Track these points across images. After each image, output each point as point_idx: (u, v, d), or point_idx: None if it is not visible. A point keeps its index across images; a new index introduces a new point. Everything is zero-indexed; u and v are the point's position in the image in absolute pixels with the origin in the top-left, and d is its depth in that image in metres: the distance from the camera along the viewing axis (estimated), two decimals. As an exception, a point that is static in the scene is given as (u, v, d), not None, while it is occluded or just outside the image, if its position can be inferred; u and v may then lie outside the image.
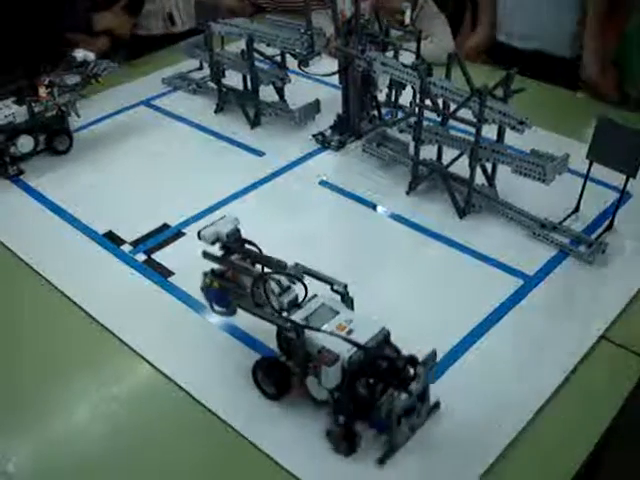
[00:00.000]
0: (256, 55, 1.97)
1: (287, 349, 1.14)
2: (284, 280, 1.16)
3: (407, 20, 1.92)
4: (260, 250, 1.23)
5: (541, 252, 1.52)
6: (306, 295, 1.15)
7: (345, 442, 1.09)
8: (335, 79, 1.92)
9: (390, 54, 1.85)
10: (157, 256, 1.54)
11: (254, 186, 1.77)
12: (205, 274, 1.25)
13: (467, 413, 1.16)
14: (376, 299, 1.34)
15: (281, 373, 1.15)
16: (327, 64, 1.92)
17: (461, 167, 1.63)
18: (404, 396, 1.04)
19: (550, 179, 1.48)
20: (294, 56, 1.90)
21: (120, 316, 1.38)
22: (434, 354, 1.08)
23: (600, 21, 2.20)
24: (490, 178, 1.65)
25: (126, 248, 1.56)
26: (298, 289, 1.16)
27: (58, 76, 1.85)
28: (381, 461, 1.08)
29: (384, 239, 1.60)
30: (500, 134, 1.59)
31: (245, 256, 1.23)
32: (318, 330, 1.07)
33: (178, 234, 1.59)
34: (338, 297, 1.16)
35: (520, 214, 1.59)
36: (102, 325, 1.36)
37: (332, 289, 1.16)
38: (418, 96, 1.61)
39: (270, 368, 1.18)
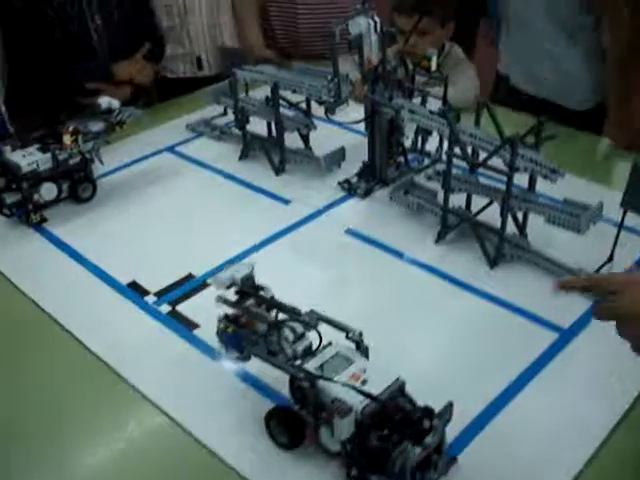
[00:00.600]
0: (281, 101, 1.96)
1: (300, 398, 1.11)
2: (298, 327, 1.14)
3: (434, 66, 1.90)
4: (272, 296, 1.22)
5: (575, 304, 1.46)
6: (320, 343, 1.13)
7: None
8: (361, 125, 1.90)
9: (417, 100, 1.84)
10: (182, 307, 1.51)
11: (280, 235, 1.74)
12: (220, 319, 1.23)
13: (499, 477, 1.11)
14: (402, 352, 1.31)
15: (295, 423, 1.13)
16: (354, 110, 1.90)
17: (491, 215, 1.60)
18: (418, 449, 1.00)
19: (585, 229, 1.44)
20: (320, 103, 1.88)
21: (142, 369, 1.35)
22: (450, 406, 1.06)
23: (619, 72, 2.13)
24: (521, 227, 1.61)
25: (150, 299, 1.54)
26: (312, 337, 1.14)
27: (82, 123, 1.84)
28: None
29: (412, 289, 1.56)
30: (532, 182, 1.55)
31: (260, 302, 1.21)
32: (331, 381, 1.05)
33: (203, 285, 1.56)
34: (353, 345, 1.14)
35: (553, 264, 1.55)
36: (124, 379, 1.33)
37: (347, 337, 1.14)
38: (446, 144, 1.58)
39: (284, 418, 1.16)
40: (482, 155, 1.57)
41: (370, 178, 1.91)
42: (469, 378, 1.30)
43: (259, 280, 1.25)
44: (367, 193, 1.89)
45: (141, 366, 1.36)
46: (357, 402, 1.02)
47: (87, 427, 1.25)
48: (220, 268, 1.57)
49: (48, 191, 1.82)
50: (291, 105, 2.01)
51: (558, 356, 1.34)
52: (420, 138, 1.96)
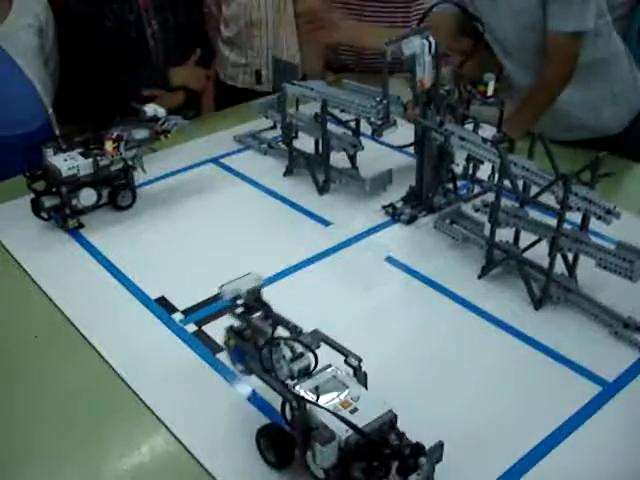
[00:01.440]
0: (330, 118, 1.90)
1: (290, 419, 1.08)
2: (298, 346, 1.11)
3: (490, 91, 1.82)
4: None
5: (623, 355, 1.38)
6: (316, 365, 1.09)
7: None
8: (411, 147, 1.84)
9: (470, 126, 1.76)
10: (208, 328, 1.46)
11: (317, 258, 1.68)
12: (226, 330, 1.21)
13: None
14: (431, 390, 1.27)
15: (284, 442, 1.10)
16: (404, 130, 1.84)
17: (540, 252, 1.52)
18: None
19: (638, 277, 1.35)
20: (370, 123, 1.82)
21: (157, 388, 1.32)
22: (441, 446, 1.00)
23: None
24: (571, 267, 1.52)
25: (177, 317, 1.49)
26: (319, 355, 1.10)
27: (126, 130, 1.81)
28: None
29: (449, 325, 1.48)
30: (585, 221, 1.46)
31: (265, 316, 1.18)
32: (318, 405, 1.02)
33: (232, 305, 1.51)
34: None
35: (601, 310, 1.46)
36: (137, 395, 1.31)
37: (345, 361, 1.11)
38: (497, 175, 1.51)
39: (274, 436, 1.13)
40: (534, 189, 1.49)
41: (416, 204, 1.83)
42: (501, 426, 1.22)
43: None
44: (412, 220, 1.81)
45: (156, 385, 1.33)
46: (343, 430, 0.98)
47: (91, 441, 1.22)
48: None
49: (87, 197, 1.79)
50: (340, 122, 1.95)
51: (599, 411, 1.25)
52: (471, 165, 1.88)
